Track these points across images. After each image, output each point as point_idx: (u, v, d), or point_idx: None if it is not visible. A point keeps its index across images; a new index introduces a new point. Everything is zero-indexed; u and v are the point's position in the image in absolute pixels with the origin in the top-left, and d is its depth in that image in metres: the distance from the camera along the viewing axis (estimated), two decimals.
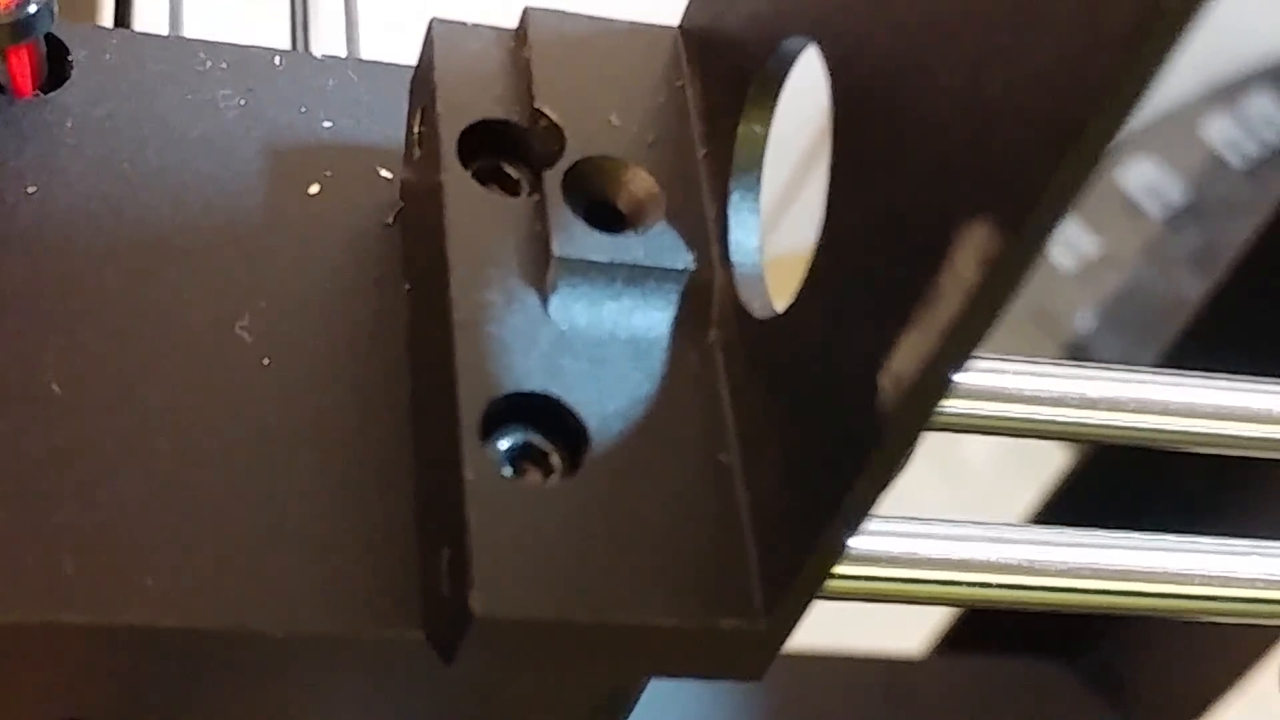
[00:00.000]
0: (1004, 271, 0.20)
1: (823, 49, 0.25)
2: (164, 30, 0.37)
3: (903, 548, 0.28)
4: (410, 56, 0.33)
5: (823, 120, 0.30)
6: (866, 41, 0.24)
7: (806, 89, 0.29)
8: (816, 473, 0.24)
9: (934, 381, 0.21)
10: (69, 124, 0.29)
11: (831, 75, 0.25)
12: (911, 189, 0.22)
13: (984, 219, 0.20)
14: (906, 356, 0.21)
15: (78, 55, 0.30)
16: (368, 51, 0.41)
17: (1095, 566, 0.30)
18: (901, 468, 0.22)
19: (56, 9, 0.30)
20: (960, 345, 0.20)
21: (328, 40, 0.39)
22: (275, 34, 0.39)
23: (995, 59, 0.20)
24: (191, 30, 0.38)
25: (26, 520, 0.26)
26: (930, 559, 0.29)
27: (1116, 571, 0.30)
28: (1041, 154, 0.19)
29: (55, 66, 0.30)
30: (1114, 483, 0.55)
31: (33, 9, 0.29)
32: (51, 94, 0.30)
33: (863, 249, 0.23)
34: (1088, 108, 0.18)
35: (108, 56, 0.30)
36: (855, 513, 0.23)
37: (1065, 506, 0.58)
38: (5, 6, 0.29)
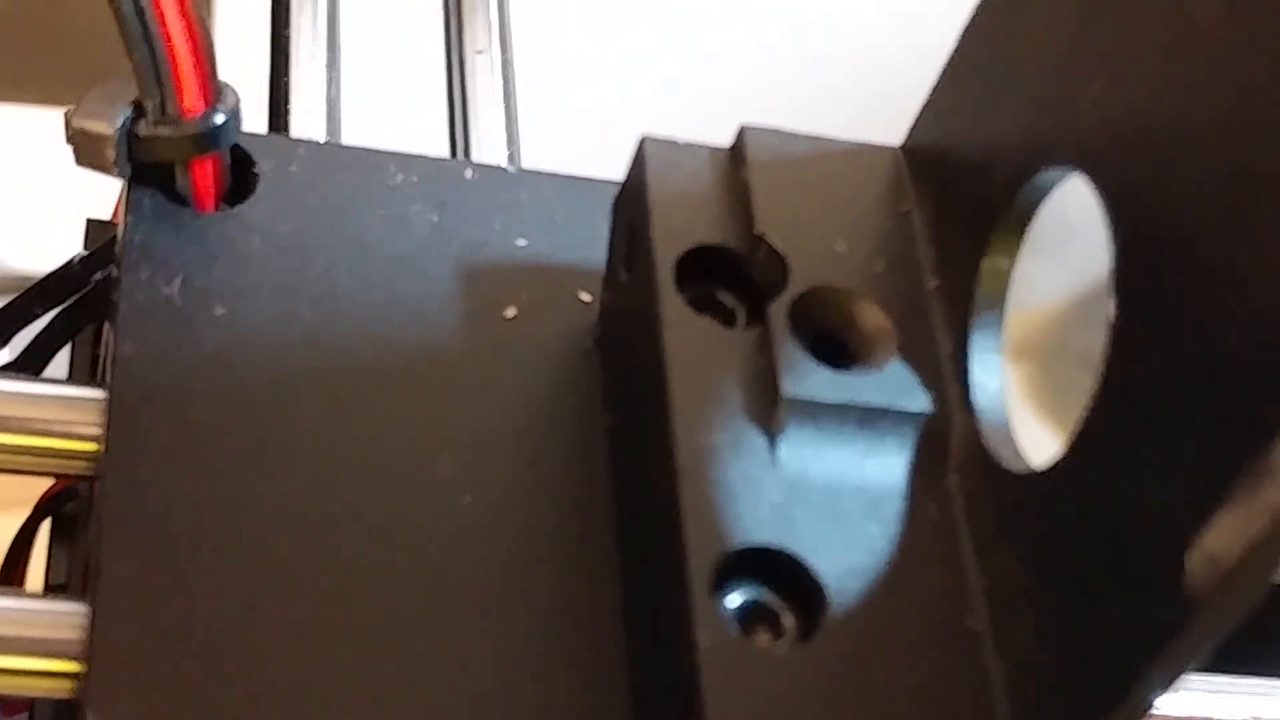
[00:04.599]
0: None
1: (1098, 184, 0.23)
2: (320, 135, 0.35)
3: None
4: (566, 164, 0.31)
5: None
6: (1161, 183, 0.22)
7: None
8: (1098, 650, 0.21)
9: (1260, 567, 0.19)
10: (256, 241, 0.28)
11: (1111, 214, 0.23)
12: (1229, 350, 0.20)
13: None
14: (1226, 537, 0.19)
15: (264, 167, 0.29)
16: (527, 156, 0.39)
17: None
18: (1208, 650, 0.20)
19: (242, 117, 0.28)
20: None
21: (487, 148, 0.38)
22: (434, 139, 0.38)
23: None
24: (349, 135, 0.37)
25: (215, 674, 0.24)
26: None
27: None
28: None
29: (239, 177, 0.29)
30: None
31: (219, 119, 0.27)
32: (237, 208, 0.28)
33: (1159, 409, 0.21)
34: None
35: (294, 169, 0.29)
36: (1144, 694, 0.21)
37: None
38: (189, 114, 0.27)
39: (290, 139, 0.31)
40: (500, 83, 0.38)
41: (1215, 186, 0.21)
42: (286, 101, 0.36)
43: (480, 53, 0.38)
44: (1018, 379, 0.82)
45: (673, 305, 0.26)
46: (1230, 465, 0.19)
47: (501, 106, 0.37)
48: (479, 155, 0.37)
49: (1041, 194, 0.25)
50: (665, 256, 0.26)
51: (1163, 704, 0.21)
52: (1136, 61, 0.23)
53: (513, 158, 0.37)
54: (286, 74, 0.36)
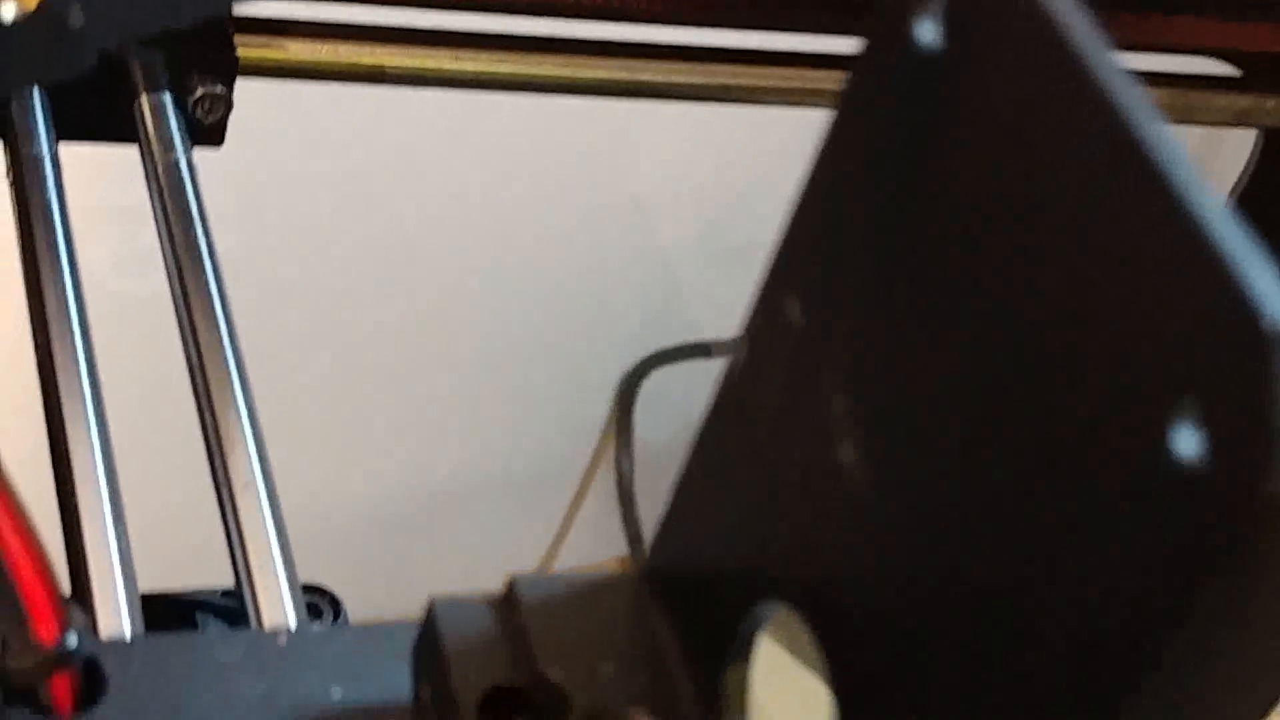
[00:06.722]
0: None
1: (807, 619, 0.30)
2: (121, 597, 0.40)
3: None
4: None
5: None
6: (863, 623, 0.28)
7: None
8: None
9: None
10: None
11: (823, 646, 0.29)
12: None
13: None
14: None
15: (111, 669, 0.33)
16: None
17: None
18: None
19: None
20: None
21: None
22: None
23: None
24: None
25: None
26: None
27: None
28: None
29: (90, 679, 0.33)
30: None
31: (73, 641, 0.32)
32: (92, 710, 0.33)
33: None
34: None
35: (135, 666, 0.34)
36: None
37: None
38: (47, 642, 0.32)
39: (125, 643, 0.36)
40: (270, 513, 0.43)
41: (906, 630, 0.27)
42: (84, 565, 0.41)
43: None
44: None
45: None
46: None
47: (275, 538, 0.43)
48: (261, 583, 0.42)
49: (759, 624, 0.31)
50: (466, 700, 0.32)
51: None
52: (819, 504, 0.30)
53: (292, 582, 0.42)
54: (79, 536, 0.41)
